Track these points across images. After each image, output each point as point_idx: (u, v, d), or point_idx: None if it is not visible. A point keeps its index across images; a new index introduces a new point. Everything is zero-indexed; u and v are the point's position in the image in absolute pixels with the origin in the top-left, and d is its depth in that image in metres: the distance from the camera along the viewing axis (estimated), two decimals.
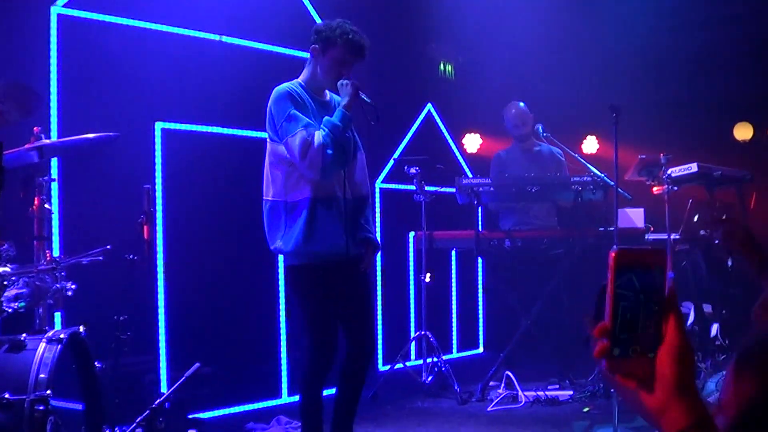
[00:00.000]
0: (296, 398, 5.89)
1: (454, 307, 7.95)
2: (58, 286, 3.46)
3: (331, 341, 4.07)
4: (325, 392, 4.12)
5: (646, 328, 1.19)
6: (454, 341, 7.93)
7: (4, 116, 3.51)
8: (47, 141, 3.66)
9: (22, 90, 3.67)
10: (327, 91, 4.21)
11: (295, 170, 4.00)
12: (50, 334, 3.15)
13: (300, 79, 4.15)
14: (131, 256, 4.11)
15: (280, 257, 5.23)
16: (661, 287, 1.20)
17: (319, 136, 3.89)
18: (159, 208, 5.24)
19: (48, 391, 2.91)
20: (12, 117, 3.54)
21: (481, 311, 8.26)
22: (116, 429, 3.84)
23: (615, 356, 1.18)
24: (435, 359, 6.50)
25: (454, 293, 7.97)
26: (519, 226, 6.68)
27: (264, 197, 4.13)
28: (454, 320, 7.95)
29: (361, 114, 4.04)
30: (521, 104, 6.92)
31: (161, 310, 5.29)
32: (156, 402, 4.11)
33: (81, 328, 3.33)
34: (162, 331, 5.31)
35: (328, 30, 4.06)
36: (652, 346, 1.19)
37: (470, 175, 7.84)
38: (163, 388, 5.19)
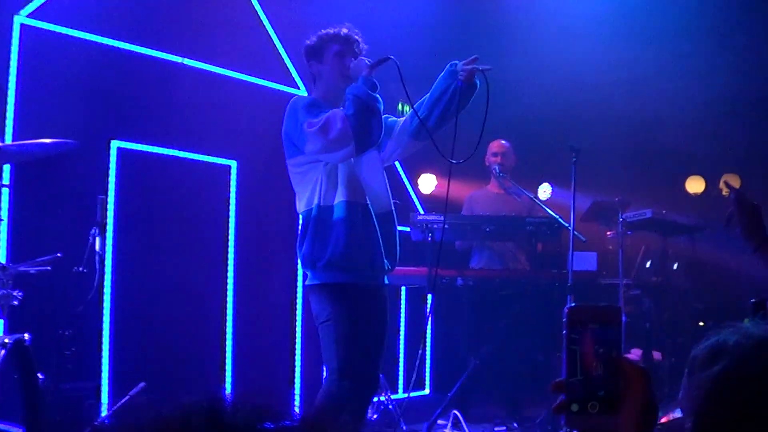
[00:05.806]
0: None
1: (401, 346, 7.86)
2: (4, 292, 3.33)
3: (368, 372, 3.83)
4: None
5: (604, 384, 1.18)
6: (401, 381, 7.82)
7: None
8: (2, 144, 3.56)
9: None
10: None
11: (326, 171, 3.71)
12: None
13: (314, 96, 3.96)
14: (80, 269, 4.00)
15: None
16: (617, 343, 1.19)
17: (340, 111, 3.62)
18: (110, 226, 5.12)
19: None
20: None
21: (428, 352, 8.17)
22: None
23: (573, 412, 1.17)
24: (383, 398, 6.40)
25: (402, 332, 7.87)
26: (489, 265, 6.60)
27: (298, 212, 3.86)
28: (401, 360, 7.84)
29: None
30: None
31: (106, 332, 5.12)
32: (97, 421, 3.97)
33: (25, 336, 3.22)
34: (105, 354, 5.14)
35: (312, 43, 3.94)
36: (612, 403, 1.17)
37: (422, 212, 7.81)
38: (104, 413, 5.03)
